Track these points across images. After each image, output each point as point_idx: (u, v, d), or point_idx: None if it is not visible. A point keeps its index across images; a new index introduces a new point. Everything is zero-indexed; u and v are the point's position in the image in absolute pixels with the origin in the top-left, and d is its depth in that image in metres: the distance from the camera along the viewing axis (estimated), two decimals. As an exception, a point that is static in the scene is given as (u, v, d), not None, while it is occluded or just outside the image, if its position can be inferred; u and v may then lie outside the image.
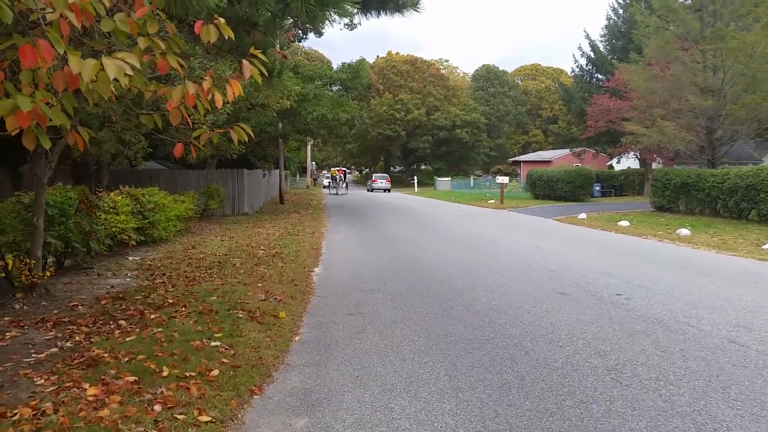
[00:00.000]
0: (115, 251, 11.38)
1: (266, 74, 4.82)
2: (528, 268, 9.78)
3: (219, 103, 3.50)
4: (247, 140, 3.92)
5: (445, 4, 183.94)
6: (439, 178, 56.64)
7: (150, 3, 3.61)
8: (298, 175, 71.51)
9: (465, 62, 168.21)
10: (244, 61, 3.41)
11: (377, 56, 71.27)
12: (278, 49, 9.18)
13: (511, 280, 8.71)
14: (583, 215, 19.92)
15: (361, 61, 21.83)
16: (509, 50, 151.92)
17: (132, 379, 4.25)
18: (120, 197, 11.21)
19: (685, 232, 14.31)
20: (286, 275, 8.94)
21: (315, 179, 69.10)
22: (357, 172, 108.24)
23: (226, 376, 4.43)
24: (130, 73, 2.70)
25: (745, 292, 7.81)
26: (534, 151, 73.53)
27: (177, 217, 14.53)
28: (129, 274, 9.07)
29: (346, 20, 37.21)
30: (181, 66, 3.56)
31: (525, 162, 60.40)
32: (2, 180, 16.59)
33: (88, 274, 9.02)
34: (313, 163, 62.25)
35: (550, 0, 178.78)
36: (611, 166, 43.30)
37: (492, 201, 29.88)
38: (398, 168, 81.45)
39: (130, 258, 10.78)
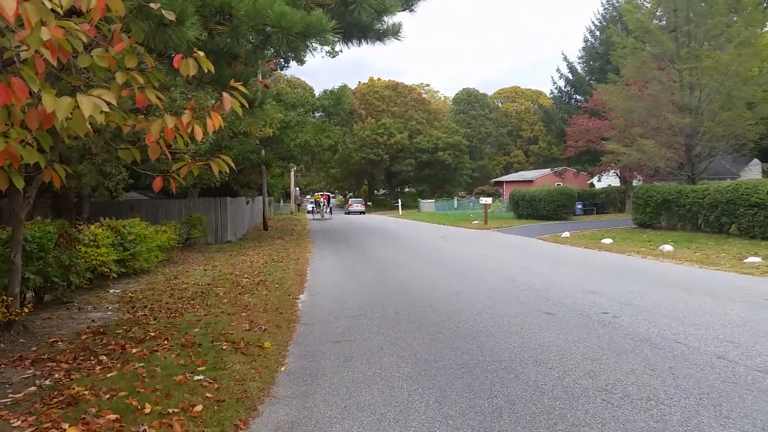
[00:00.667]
0: (96, 284, 11.17)
1: (247, 105, 4.83)
2: (515, 289, 9.77)
3: (199, 136, 3.48)
4: (228, 171, 3.89)
5: (424, 29, 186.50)
6: (423, 200, 56.87)
7: (129, 37, 3.61)
8: (282, 201, 71.35)
9: (446, 86, 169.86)
10: (225, 94, 3.40)
11: (359, 82, 71.92)
12: (260, 79, 9.19)
13: (498, 302, 8.69)
14: (566, 234, 20.04)
15: (343, 88, 21.99)
16: (489, 73, 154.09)
17: (113, 417, 4.14)
18: (100, 230, 11.06)
19: (668, 248, 14.44)
20: (271, 303, 8.84)
21: (299, 205, 68.91)
22: (341, 197, 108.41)
23: (210, 411, 4.33)
24: (106, 109, 2.66)
25: (730, 307, 7.86)
26: (516, 171, 74.25)
27: (159, 247, 14.36)
28: (110, 308, 8.90)
29: (328, 48, 37.68)
30: (160, 99, 3.53)
31: (508, 182, 60.86)
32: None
33: (68, 309, 8.83)
34: (297, 188, 62.14)
35: (529, 23, 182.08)
36: (592, 185, 43.78)
37: (476, 222, 29.99)
38: (382, 191, 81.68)
39: (111, 291, 10.59)
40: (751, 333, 6.42)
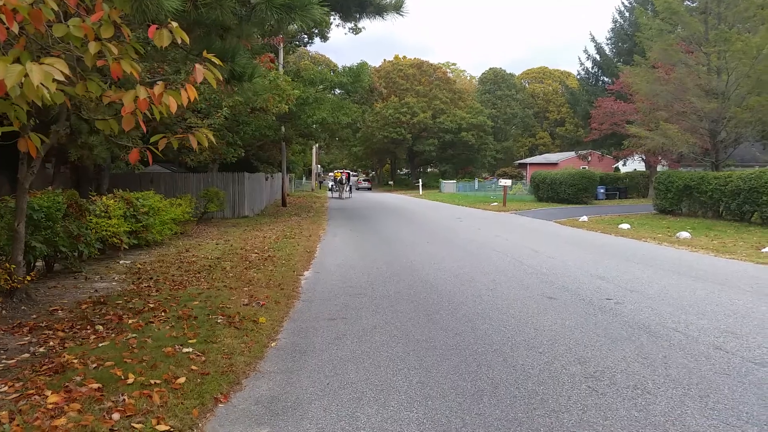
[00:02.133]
0: (107, 254, 11.37)
1: (232, 78, 4.78)
2: (521, 272, 9.66)
3: (173, 107, 3.46)
4: (208, 145, 3.86)
5: (452, 8, 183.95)
6: (444, 181, 56.57)
7: (113, 9, 3.58)
8: (304, 178, 71.73)
9: (473, 66, 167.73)
10: (197, 65, 3.35)
11: (384, 60, 71.47)
12: (270, 54, 9.13)
13: (502, 284, 8.60)
14: (584, 218, 19.75)
15: (362, 65, 21.76)
16: (518, 53, 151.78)
17: (96, 386, 4.19)
18: (112, 201, 11.20)
19: (684, 235, 14.13)
20: (275, 279, 8.88)
21: (321, 182, 69.14)
22: (364, 175, 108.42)
23: (193, 384, 4.36)
24: (60, 78, 2.63)
25: (738, 297, 7.67)
26: (541, 153, 73.36)
27: (173, 220, 14.53)
28: (116, 278, 9.04)
29: (350, 24, 37.36)
30: (136, 70, 3.50)
31: (531, 164, 60.21)
32: (3, 183, 16.68)
33: (75, 278, 9.00)
34: (319, 166, 62.29)
35: (559, 2, 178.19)
36: (617, 169, 42.99)
37: (495, 204, 29.73)
38: (405, 171, 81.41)
39: (121, 261, 10.76)
40: (754, 324, 6.26)
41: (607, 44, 36.61)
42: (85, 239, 9.60)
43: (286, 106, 15.84)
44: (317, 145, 50.22)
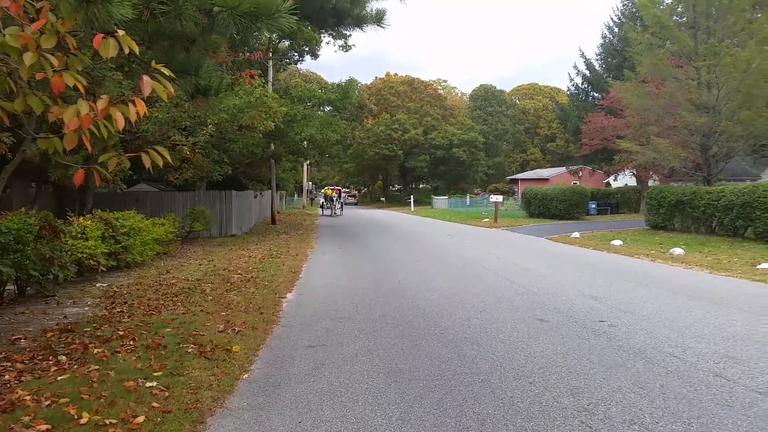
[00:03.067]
0: (85, 277, 10.99)
1: (201, 92, 4.47)
2: (512, 292, 9.35)
3: (120, 124, 3.14)
4: (162, 164, 3.55)
5: (442, 25, 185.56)
6: (436, 197, 56.42)
7: (60, 18, 3.28)
8: (296, 195, 71.36)
9: (464, 82, 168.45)
10: (145, 77, 3.05)
11: (375, 77, 71.59)
12: (251, 70, 8.87)
13: (492, 306, 8.28)
14: (576, 234, 19.51)
15: (351, 81, 21.56)
16: (509, 69, 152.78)
17: (45, 427, 3.84)
18: (89, 222, 10.83)
19: (678, 251, 13.89)
20: (255, 302, 8.52)
21: (312, 199, 68.77)
22: (356, 192, 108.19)
23: (152, 424, 4.00)
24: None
25: (736, 317, 7.38)
26: (532, 169, 73.45)
27: (155, 240, 14.15)
28: (90, 303, 8.64)
29: (341, 42, 37.34)
30: (82, 84, 3.19)
31: (523, 180, 60.18)
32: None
33: (47, 303, 8.60)
34: (310, 183, 61.96)
35: (549, 19, 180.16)
36: (608, 184, 42.97)
37: (486, 220, 29.49)
38: (397, 187, 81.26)
39: (98, 284, 10.36)
40: (755, 348, 5.96)
41: (597, 60, 36.72)
42: (60, 262, 9.23)
43: (272, 123, 15.55)
44: (308, 162, 50.02)
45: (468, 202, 49.75)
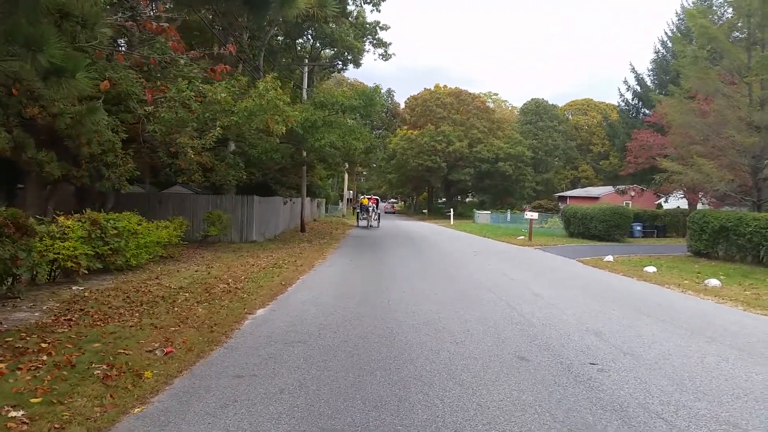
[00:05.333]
0: (68, 279, 10.61)
1: (53, 73, 3.80)
2: (506, 322, 8.34)
3: None
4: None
5: (500, 41, 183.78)
6: (478, 211, 55.06)
7: None
8: (340, 204, 71.20)
9: (519, 98, 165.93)
10: None
11: (424, 88, 70.80)
12: (226, 65, 8.23)
13: (474, 336, 7.32)
14: (609, 258, 18.12)
15: (376, 88, 20.87)
16: (565, 86, 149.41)
17: None
18: (71, 221, 10.44)
19: (714, 282, 12.47)
20: (216, 318, 7.84)
21: (354, 208, 68.44)
22: (402, 203, 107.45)
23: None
24: None
25: (757, 369, 6.17)
26: (583, 187, 70.98)
27: (157, 243, 13.77)
28: (47, 308, 8.15)
29: (381, 50, 36.89)
30: None
31: (571, 197, 58.15)
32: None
33: (4, 305, 8.16)
34: (351, 191, 61.58)
35: (607, 35, 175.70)
36: (659, 206, 40.71)
37: (522, 237, 28.16)
38: (443, 200, 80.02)
39: (74, 287, 9.92)
40: (768, 414, 4.83)
41: (649, 75, 34.84)
42: (28, 262, 8.82)
43: (283, 128, 14.97)
44: (345, 170, 49.56)
45: (509, 218, 48.12)
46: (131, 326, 7.14)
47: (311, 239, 24.65)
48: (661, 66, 33.13)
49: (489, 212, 53.86)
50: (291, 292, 10.49)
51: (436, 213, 70.23)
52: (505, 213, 50.51)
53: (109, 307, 8.28)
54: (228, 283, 11.00)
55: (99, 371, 5.17)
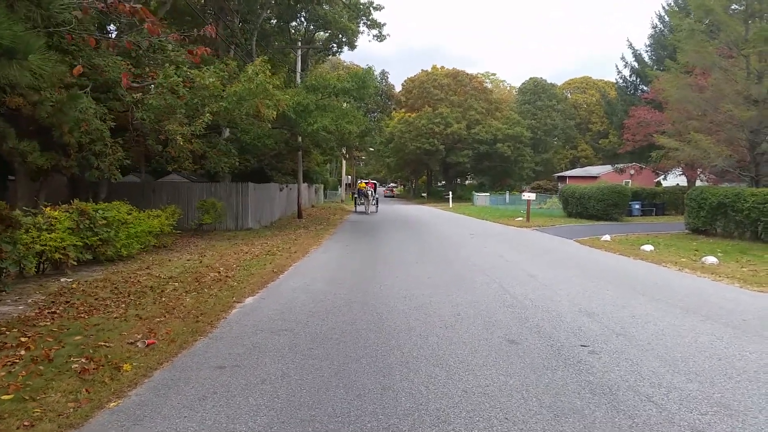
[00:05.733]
0: (58, 271, 10.48)
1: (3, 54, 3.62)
2: (498, 304, 8.22)
3: None
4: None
5: (498, 20, 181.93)
6: (477, 194, 54.79)
7: None
8: (339, 189, 71.02)
9: (518, 77, 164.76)
10: None
11: (421, 70, 70.11)
12: (206, 48, 8.01)
13: (465, 320, 7.20)
14: (606, 237, 17.99)
15: (368, 70, 20.57)
16: (565, 64, 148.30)
17: None
18: (58, 212, 10.29)
19: (711, 260, 12.33)
20: (203, 307, 7.72)
21: (353, 193, 68.27)
22: (402, 187, 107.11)
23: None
24: None
25: (751, 348, 6.05)
26: (582, 166, 70.64)
27: (149, 232, 13.64)
28: (32, 301, 8.04)
29: (375, 31, 36.43)
30: None
31: (571, 177, 57.89)
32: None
33: (-11, 299, 8.05)
34: (349, 177, 61.32)
35: (606, 12, 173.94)
36: (659, 183, 40.47)
37: (520, 219, 28.00)
38: (442, 183, 79.75)
39: (63, 279, 9.81)
40: (762, 392, 4.71)
41: (647, 51, 34.33)
42: (14, 255, 8.70)
43: (273, 112, 14.74)
44: (344, 155, 49.16)
45: (507, 200, 47.91)
46: (116, 318, 7.03)
47: (308, 225, 24.51)
48: (658, 42, 32.65)
49: (488, 194, 53.64)
50: (282, 280, 10.38)
51: (436, 196, 70.00)
52: (503, 195, 50.28)
53: (96, 299, 8.17)
54: (219, 272, 10.88)
55: (77, 365, 5.06)
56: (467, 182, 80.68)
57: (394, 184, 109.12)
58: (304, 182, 37.48)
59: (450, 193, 54.58)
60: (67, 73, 8.49)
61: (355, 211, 37.68)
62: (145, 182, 22.29)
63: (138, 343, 5.84)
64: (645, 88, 33.40)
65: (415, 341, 6.21)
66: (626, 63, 35.72)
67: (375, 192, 38.92)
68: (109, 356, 5.35)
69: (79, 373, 4.87)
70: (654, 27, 33.12)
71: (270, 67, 15.37)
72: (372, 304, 8.15)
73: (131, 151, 16.13)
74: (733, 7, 19.44)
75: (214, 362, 5.44)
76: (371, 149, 69.89)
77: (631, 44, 37.67)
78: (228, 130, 21.46)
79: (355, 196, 39.96)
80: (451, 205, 48.20)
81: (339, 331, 6.64)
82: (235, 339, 6.26)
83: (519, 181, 68.39)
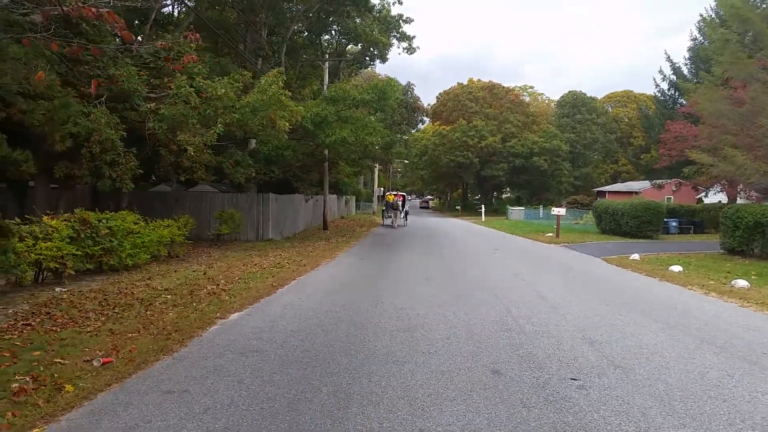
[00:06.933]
0: (58, 280, 10.42)
1: None
2: (494, 328, 7.68)
3: None
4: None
5: (543, 34, 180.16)
6: (512, 208, 53.72)
7: None
8: (373, 200, 70.82)
9: (557, 91, 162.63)
10: None
11: (458, 83, 69.57)
12: (193, 55, 7.82)
13: (452, 344, 6.70)
14: (636, 256, 17.12)
15: (390, 81, 20.23)
16: (606, 78, 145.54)
17: None
18: (56, 222, 10.22)
19: (742, 283, 11.47)
20: (183, 323, 7.43)
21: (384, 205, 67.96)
22: (437, 200, 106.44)
23: None
24: None
25: (764, 387, 5.36)
26: (624, 181, 68.67)
27: (159, 242, 13.56)
28: (12, 311, 7.89)
29: (405, 44, 36.17)
30: None
31: (610, 192, 56.38)
32: (9, 199, 16.45)
33: (-27, 309, 7.95)
34: (380, 188, 61.06)
35: (649, 27, 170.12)
36: (700, 200, 38.86)
37: (550, 234, 27.14)
38: (478, 196, 78.78)
39: (57, 289, 9.70)
40: (763, 448, 4.09)
41: (686, 64, 33.02)
42: (3, 264, 8.62)
43: (286, 123, 14.53)
44: (378, 167, 48.95)
45: (541, 214, 46.76)
46: (88, 332, 6.80)
47: (330, 237, 24.24)
48: (698, 54, 31.37)
49: (522, 208, 52.52)
50: (279, 294, 10.05)
51: (470, 209, 69.07)
52: (538, 209, 49.15)
53: (79, 311, 7.99)
54: (218, 284, 10.63)
55: (17, 384, 4.80)
56: (504, 196, 79.47)
57: (430, 197, 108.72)
58: (332, 194, 37.31)
59: (483, 206, 53.58)
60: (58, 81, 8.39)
61: (383, 224, 36.65)
62: (173, 192, 22.42)
63: (94, 362, 5.56)
64: (683, 101, 32.14)
65: (389, 368, 5.75)
66: (664, 76, 34.51)
67: (404, 204, 37.48)
68: (57, 375, 5.08)
69: (14, 394, 4.59)
70: (693, 39, 31.84)
71: (298, 80, 15.20)
72: (360, 324, 7.72)
73: (159, 161, 16.13)
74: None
75: (165, 386, 5.10)
76: (406, 161, 69.62)
77: (669, 57, 36.52)
78: (254, 141, 21.45)
79: (383, 208, 39.01)
80: (483, 219, 47.36)
81: (312, 354, 6.23)
82: (198, 360, 5.92)
83: (557, 195, 66.89)
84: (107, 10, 5.69)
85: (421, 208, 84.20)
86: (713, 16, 29.02)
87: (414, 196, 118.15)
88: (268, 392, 4.98)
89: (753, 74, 16.28)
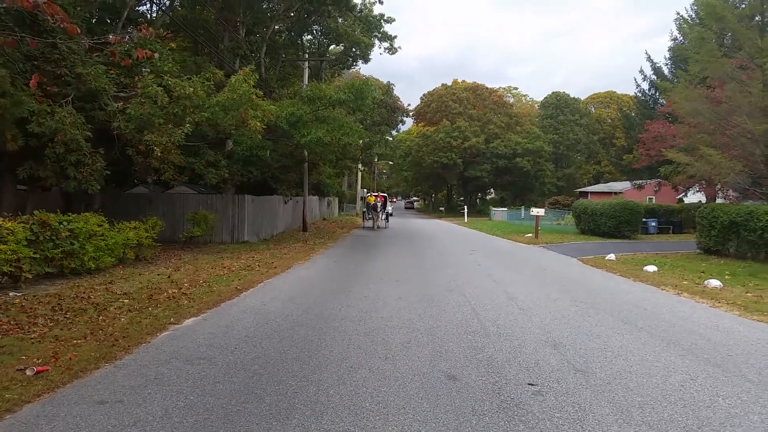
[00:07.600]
0: (15, 284, 10.06)
1: None
2: (458, 331, 7.49)
3: None
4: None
5: (528, 35, 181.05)
6: (495, 209, 53.76)
7: None
8: (357, 201, 70.54)
9: (541, 92, 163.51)
10: None
11: (442, 84, 69.57)
12: (148, 51, 7.54)
13: (411, 350, 6.48)
14: (611, 256, 17.05)
15: (366, 81, 20.01)
16: (589, 80, 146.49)
17: None
18: (11, 223, 9.87)
19: (714, 283, 11.39)
20: (133, 329, 7.15)
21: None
22: (422, 201, 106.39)
23: None
24: None
25: (726, 390, 5.21)
26: (606, 182, 69.03)
27: (125, 245, 13.22)
28: (-43, 318, 7.57)
29: (386, 44, 35.96)
30: None
31: (593, 193, 56.59)
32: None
33: None
34: (364, 190, 60.77)
35: (633, 26, 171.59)
36: (681, 200, 39.08)
37: (529, 235, 27.08)
38: (462, 197, 78.88)
39: (11, 294, 9.36)
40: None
41: (666, 65, 33.21)
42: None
43: (258, 122, 14.25)
44: (360, 168, 48.67)
45: (523, 215, 46.79)
46: (32, 338, 6.51)
47: (308, 239, 23.96)
48: (677, 54, 31.54)
49: (505, 209, 52.56)
50: (242, 298, 9.77)
51: (454, 211, 69.10)
52: (519, 210, 49.20)
53: (29, 316, 7.68)
54: (179, 288, 10.34)
55: (-65, 398, 4.52)
56: (489, 197, 79.58)
57: (415, 198, 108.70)
58: (314, 195, 36.99)
59: (465, 207, 53.55)
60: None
61: (364, 226, 36.01)
62: (141, 193, 21.99)
63: (27, 371, 5.28)
64: (663, 101, 32.29)
65: (341, 375, 5.53)
66: (645, 76, 34.70)
67: (385, 206, 36.91)
68: (-19, 387, 4.80)
69: (-70, 408, 4.32)
70: (674, 39, 32.00)
71: (279, 80, 14.89)
72: (319, 329, 7.49)
73: (132, 162, 15.74)
74: (756, 18, 18.44)
75: (99, 396, 4.84)
76: (390, 162, 69.40)
77: (649, 57, 36.65)
78: (231, 142, 21.12)
79: (364, 210, 38.39)
80: (466, 220, 47.31)
81: (262, 361, 5.99)
82: (140, 368, 5.66)
83: (540, 196, 67.09)
84: (45, 1, 5.41)
85: (405, 209, 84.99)
86: (693, 15, 29.19)
87: (399, 198, 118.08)
88: (206, 403, 4.73)
89: (729, 73, 16.28)
